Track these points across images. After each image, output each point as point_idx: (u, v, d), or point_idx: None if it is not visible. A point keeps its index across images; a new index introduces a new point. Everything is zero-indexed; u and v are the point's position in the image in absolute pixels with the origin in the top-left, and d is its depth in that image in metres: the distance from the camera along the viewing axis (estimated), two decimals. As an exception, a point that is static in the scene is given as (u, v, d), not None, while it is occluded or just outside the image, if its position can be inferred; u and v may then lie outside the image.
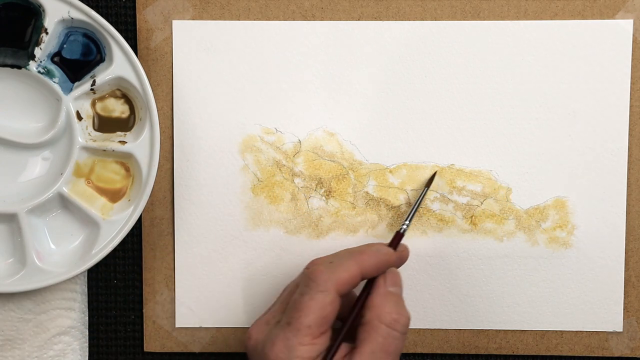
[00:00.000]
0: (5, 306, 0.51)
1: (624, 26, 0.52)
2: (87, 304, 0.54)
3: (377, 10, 0.52)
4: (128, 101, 0.51)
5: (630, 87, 0.52)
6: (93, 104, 0.51)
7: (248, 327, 0.53)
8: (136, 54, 0.52)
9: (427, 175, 0.53)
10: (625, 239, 0.53)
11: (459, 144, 0.53)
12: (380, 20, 0.52)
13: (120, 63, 0.49)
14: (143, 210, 0.52)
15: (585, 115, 0.52)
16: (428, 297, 0.53)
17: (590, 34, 0.52)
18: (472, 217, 0.53)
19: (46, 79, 0.50)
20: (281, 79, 0.53)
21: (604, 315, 0.53)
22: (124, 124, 0.51)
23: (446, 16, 0.52)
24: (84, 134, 0.51)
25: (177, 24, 0.52)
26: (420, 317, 0.53)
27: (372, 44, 0.52)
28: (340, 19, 0.52)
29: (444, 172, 0.53)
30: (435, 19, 0.52)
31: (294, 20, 0.52)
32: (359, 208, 0.53)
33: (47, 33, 0.49)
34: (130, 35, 0.52)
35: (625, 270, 0.53)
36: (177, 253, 0.53)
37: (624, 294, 0.53)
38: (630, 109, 0.52)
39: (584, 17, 0.52)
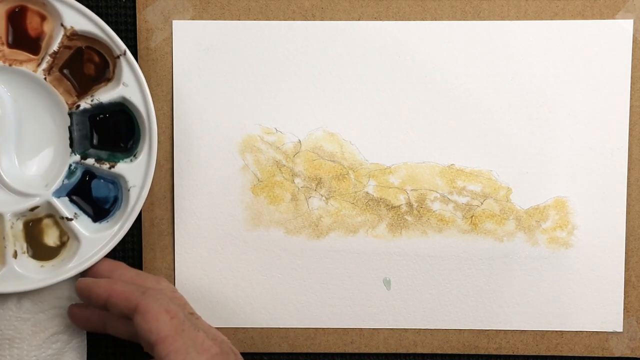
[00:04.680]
0: (3, 305, 0.51)
1: (624, 26, 0.52)
2: (86, 304, 0.54)
3: (377, 10, 0.52)
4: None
5: (630, 87, 0.52)
6: None
7: (248, 327, 0.53)
8: (136, 54, 0.52)
9: (427, 175, 0.53)
10: (625, 239, 0.53)
11: (459, 144, 0.53)
12: (380, 20, 0.52)
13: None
14: (143, 210, 0.52)
15: (585, 115, 0.52)
16: (428, 297, 0.53)
17: (590, 34, 0.52)
18: (472, 217, 0.53)
19: None
20: (281, 79, 0.52)
21: (604, 315, 0.53)
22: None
23: (446, 16, 0.52)
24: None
25: (177, 24, 0.52)
26: (420, 317, 0.53)
27: (372, 44, 0.52)
28: (340, 19, 0.52)
29: (444, 172, 0.53)
30: (435, 19, 0.52)
31: (294, 20, 0.52)
32: (359, 208, 0.53)
33: None
34: (130, 36, 0.52)
35: (625, 270, 0.53)
36: (177, 253, 0.53)
37: (624, 294, 0.53)
38: (630, 109, 0.52)
39: (584, 17, 0.52)
